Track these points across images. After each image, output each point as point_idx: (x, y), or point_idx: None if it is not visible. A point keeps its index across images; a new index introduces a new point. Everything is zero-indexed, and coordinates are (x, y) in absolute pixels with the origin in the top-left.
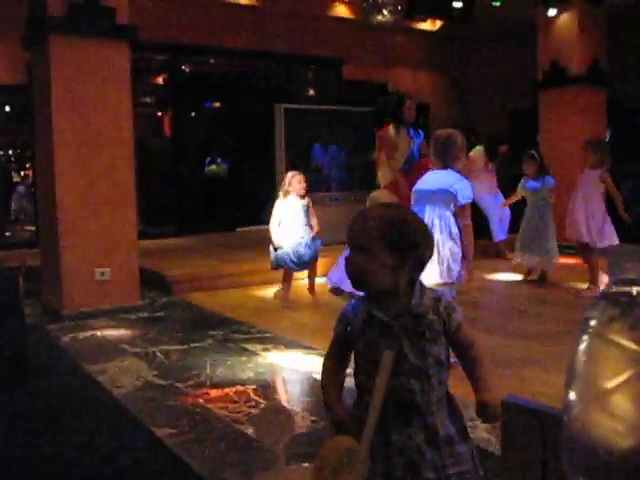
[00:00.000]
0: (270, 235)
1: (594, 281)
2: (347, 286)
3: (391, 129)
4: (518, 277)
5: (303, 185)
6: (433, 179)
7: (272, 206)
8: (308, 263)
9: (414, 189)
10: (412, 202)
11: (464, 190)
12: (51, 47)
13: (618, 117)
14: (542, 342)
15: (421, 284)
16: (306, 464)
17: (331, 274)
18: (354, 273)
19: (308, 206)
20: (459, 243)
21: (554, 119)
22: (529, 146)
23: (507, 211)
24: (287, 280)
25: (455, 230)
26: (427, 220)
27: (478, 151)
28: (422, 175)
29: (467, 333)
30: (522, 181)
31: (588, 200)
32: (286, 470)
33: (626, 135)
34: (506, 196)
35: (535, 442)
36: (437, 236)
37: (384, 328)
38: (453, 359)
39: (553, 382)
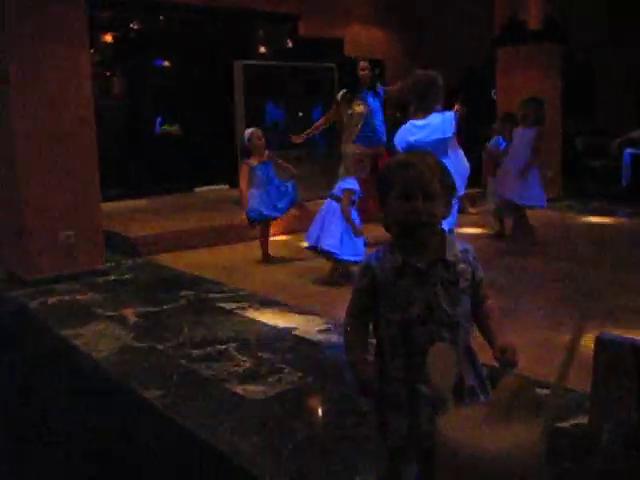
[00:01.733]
0: (241, 198)
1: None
2: (328, 245)
3: (340, 94)
4: (479, 230)
5: (262, 141)
6: (420, 132)
7: (232, 165)
8: (288, 206)
9: (405, 146)
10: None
11: (451, 125)
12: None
13: (570, 71)
14: (512, 292)
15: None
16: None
17: (311, 233)
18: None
19: (272, 162)
20: None
21: (510, 76)
22: (484, 102)
23: (466, 165)
24: (264, 235)
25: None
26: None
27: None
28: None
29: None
30: (494, 140)
31: (520, 158)
32: (460, 410)
33: (578, 90)
34: (466, 151)
35: (628, 377)
36: None
37: (418, 277)
38: None
39: (529, 329)
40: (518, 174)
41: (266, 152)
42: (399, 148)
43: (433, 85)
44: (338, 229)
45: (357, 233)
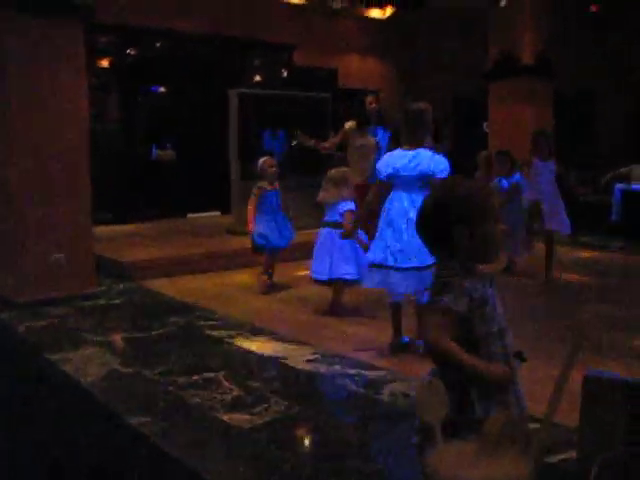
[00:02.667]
0: (249, 220)
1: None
2: (348, 274)
3: (349, 124)
4: None
5: (274, 169)
6: (408, 161)
7: (225, 192)
8: (291, 238)
9: (391, 172)
10: (391, 185)
11: (440, 167)
12: (3, 24)
13: (561, 106)
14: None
15: None
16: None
17: (319, 267)
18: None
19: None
20: None
21: (502, 109)
22: (476, 133)
23: None
24: (269, 264)
25: None
26: (403, 206)
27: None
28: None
29: None
30: (495, 182)
31: (545, 192)
32: (450, 446)
33: (569, 124)
34: None
35: (615, 414)
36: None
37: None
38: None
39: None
40: (549, 205)
41: (276, 183)
42: (382, 175)
43: (424, 116)
44: (350, 254)
45: (366, 248)
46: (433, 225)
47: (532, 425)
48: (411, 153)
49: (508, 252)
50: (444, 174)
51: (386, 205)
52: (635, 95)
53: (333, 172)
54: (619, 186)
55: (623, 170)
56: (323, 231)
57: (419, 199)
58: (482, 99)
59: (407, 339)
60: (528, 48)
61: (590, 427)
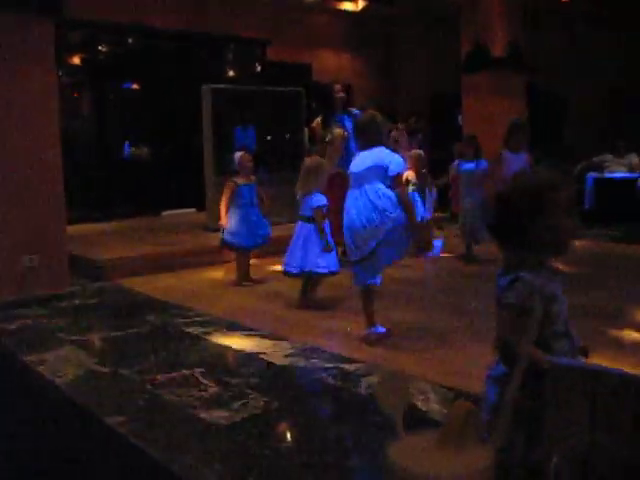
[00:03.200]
0: (220, 215)
1: None
2: (321, 267)
3: (317, 122)
4: (446, 254)
5: (251, 164)
6: (363, 158)
7: (199, 189)
8: (262, 242)
9: (349, 171)
10: (350, 185)
11: (394, 162)
12: None
13: (535, 100)
14: (482, 317)
15: None
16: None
17: (291, 259)
18: None
19: (257, 186)
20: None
21: (475, 102)
22: (452, 126)
23: (433, 191)
24: (241, 261)
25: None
26: (366, 199)
27: (400, 131)
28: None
29: None
30: (455, 163)
31: None
32: (411, 437)
33: (543, 118)
34: (433, 176)
35: (581, 402)
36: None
37: None
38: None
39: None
40: None
41: (252, 177)
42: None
43: (372, 123)
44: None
45: (328, 249)
46: (509, 217)
47: None
48: (366, 153)
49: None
50: (398, 170)
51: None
52: (606, 88)
53: (308, 161)
54: (592, 175)
55: (595, 159)
56: (298, 224)
57: (372, 189)
58: (458, 92)
59: (383, 329)
60: (500, 41)
61: (552, 417)
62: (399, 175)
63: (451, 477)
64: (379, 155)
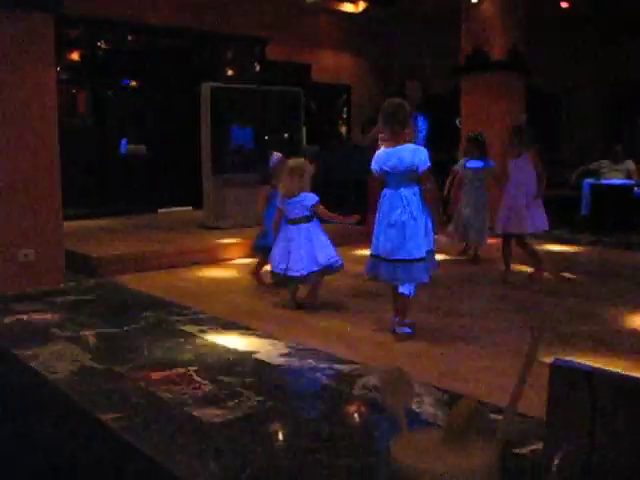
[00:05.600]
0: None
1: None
2: (296, 272)
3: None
4: (442, 256)
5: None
6: (396, 157)
7: (197, 187)
8: None
9: (384, 169)
10: (385, 184)
11: (422, 158)
12: None
13: (536, 103)
14: (475, 319)
15: None
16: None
17: (278, 262)
18: None
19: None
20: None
21: (475, 104)
22: (450, 129)
23: None
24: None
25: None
26: (403, 201)
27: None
28: None
29: None
30: (461, 161)
31: (523, 190)
32: (415, 434)
33: (543, 121)
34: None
35: (582, 403)
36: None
37: None
38: None
39: (491, 357)
40: (526, 206)
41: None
42: (375, 172)
43: (400, 111)
44: (326, 241)
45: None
46: None
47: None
48: (392, 150)
49: (474, 241)
50: (426, 166)
51: (380, 201)
52: (608, 94)
53: (292, 162)
54: (588, 181)
55: (592, 165)
56: (290, 228)
57: (408, 193)
58: (456, 95)
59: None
60: (500, 43)
61: (556, 417)
62: (428, 169)
63: (456, 473)
64: (408, 155)
